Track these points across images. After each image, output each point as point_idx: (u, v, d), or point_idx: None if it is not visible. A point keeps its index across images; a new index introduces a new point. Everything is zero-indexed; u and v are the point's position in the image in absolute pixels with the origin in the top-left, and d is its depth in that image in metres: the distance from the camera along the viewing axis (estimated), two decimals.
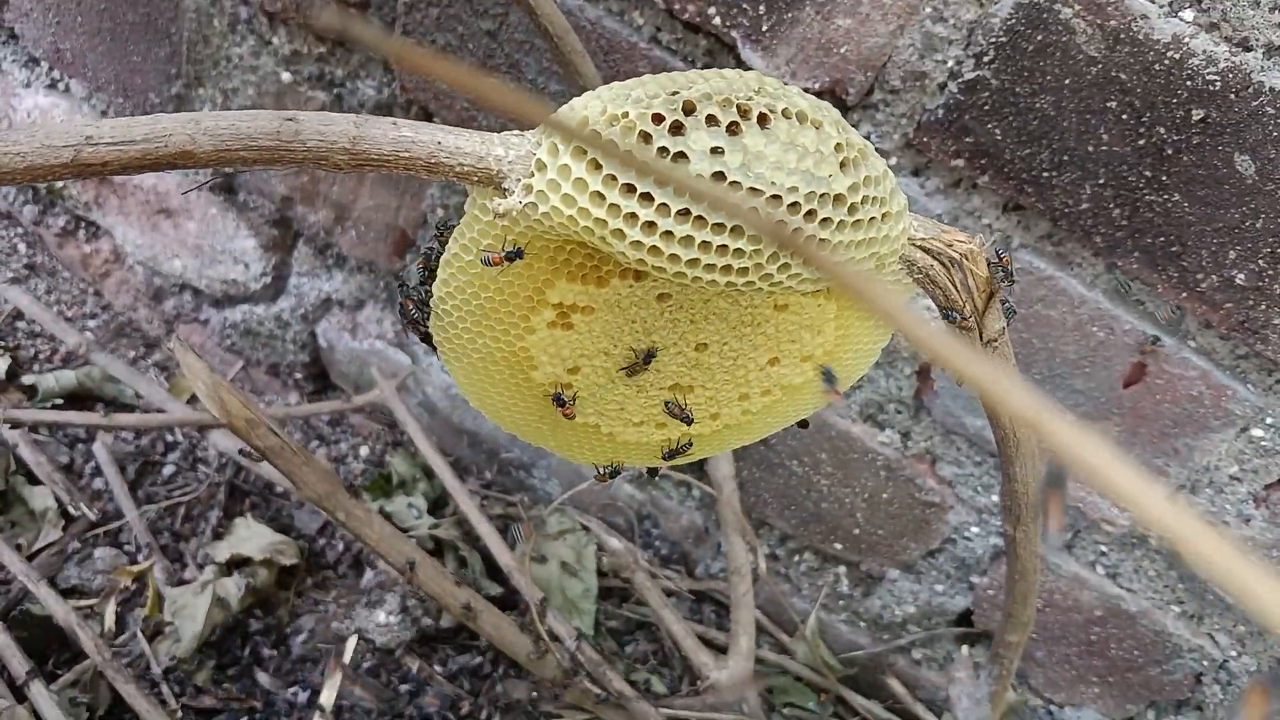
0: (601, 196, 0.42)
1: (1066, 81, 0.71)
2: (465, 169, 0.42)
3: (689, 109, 0.42)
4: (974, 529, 0.99)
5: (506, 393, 0.53)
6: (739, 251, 0.43)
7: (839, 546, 1.07)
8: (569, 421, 0.55)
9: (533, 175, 0.43)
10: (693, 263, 0.43)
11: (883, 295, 0.23)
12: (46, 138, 0.37)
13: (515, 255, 0.46)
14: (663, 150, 0.42)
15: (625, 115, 0.42)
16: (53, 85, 1.24)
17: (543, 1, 0.69)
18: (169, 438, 1.19)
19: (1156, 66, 0.68)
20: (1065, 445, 0.19)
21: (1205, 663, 0.94)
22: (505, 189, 0.44)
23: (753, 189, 0.41)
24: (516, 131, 0.45)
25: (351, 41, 1.00)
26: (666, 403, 0.54)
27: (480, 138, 0.43)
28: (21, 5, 1.19)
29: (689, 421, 0.56)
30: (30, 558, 1.01)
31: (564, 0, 0.86)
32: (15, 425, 1.07)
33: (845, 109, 0.81)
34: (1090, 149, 0.73)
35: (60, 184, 1.29)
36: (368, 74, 1.03)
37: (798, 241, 0.29)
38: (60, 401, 1.19)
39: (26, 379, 1.18)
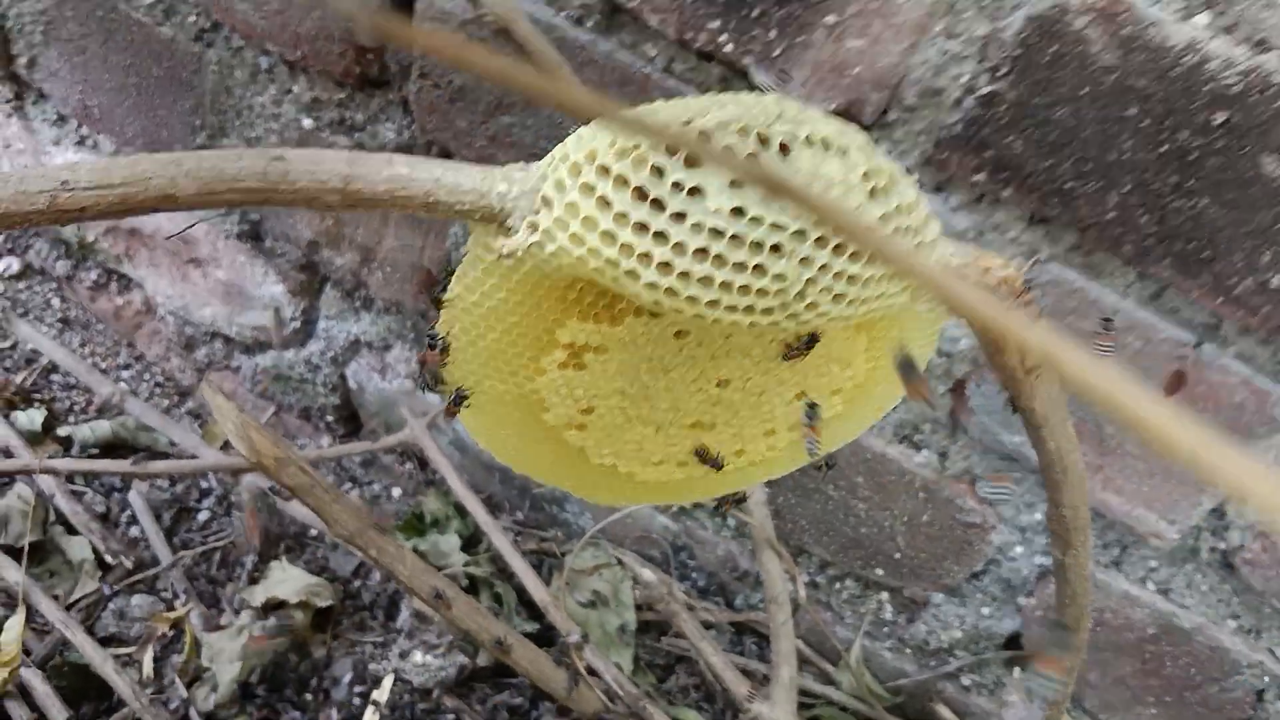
0: (613, 236, 0.39)
1: (1084, 91, 0.70)
2: (465, 206, 0.41)
3: (704, 139, 0.40)
4: (1018, 549, 0.96)
5: (517, 435, 0.51)
6: (763, 291, 0.40)
7: (880, 572, 1.05)
8: (585, 462, 0.53)
9: (538, 212, 0.41)
10: (712, 304, 0.40)
11: (961, 286, 0.21)
12: (21, 183, 0.35)
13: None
14: (677, 185, 0.39)
15: (636, 147, 0.39)
16: (81, 142, 1.27)
17: (532, 38, 0.69)
18: (203, 484, 1.20)
19: (1174, 72, 0.67)
20: (1085, 378, 0.18)
21: (1266, 678, 0.90)
22: (509, 227, 0.42)
23: (775, 224, 0.39)
24: (520, 165, 0.44)
25: (371, 31, 1.01)
26: (696, 450, 0.52)
27: (481, 173, 0.41)
28: (50, 65, 1.22)
29: (719, 467, 0.53)
30: (68, 608, 1.02)
31: (575, 36, 0.87)
32: (50, 473, 1.08)
33: (862, 129, 0.81)
34: (1112, 157, 0.72)
35: (91, 238, 1.31)
36: (387, 117, 1.04)
37: (878, 238, 0.27)
38: (96, 451, 1.20)
39: (62, 431, 1.20)
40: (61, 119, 1.26)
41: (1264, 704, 0.93)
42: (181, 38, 1.08)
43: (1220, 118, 0.67)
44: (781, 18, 0.77)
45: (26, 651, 0.96)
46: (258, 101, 1.08)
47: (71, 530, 1.10)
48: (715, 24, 0.79)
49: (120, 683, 0.92)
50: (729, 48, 0.80)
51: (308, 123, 1.07)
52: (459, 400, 0.49)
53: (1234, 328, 0.76)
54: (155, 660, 1.01)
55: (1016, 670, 0.99)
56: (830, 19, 0.75)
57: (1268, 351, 0.76)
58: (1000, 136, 0.75)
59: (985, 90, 0.73)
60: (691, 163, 0.40)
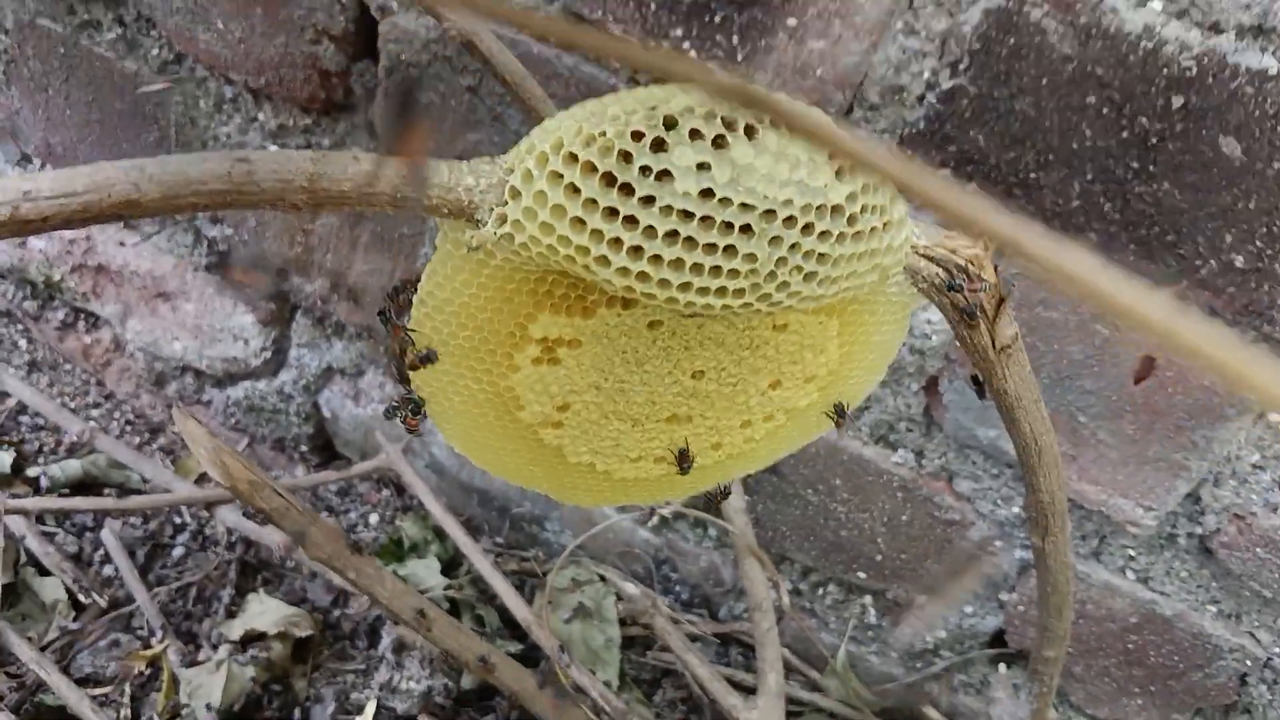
0: (582, 222, 0.40)
1: (1044, 81, 0.71)
2: (433, 201, 0.41)
3: (670, 123, 0.40)
4: (998, 543, 0.96)
5: (493, 435, 0.50)
6: (734, 272, 0.41)
7: (862, 575, 1.05)
8: (563, 462, 0.53)
9: (506, 204, 0.41)
10: (684, 287, 0.41)
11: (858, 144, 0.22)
12: None
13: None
14: (645, 169, 0.39)
15: (603, 134, 0.40)
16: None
17: (497, 51, 0.69)
18: (177, 520, 1.18)
19: (1131, 58, 0.68)
20: (1050, 261, 0.18)
21: (1248, 662, 0.91)
22: (478, 220, 0.42)
23: (744, 204, 0.39)
24: (488, 159, 0.44)
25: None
26: (680, 451, 0.52)
27: (448, 167, 0.41)
28: (11, 104, 1.21)
29: (685, 471, 0.53)
30: (42, 649, 0.99)
31: (540, 50, 0.87)
32: (20, 513, 1.06)
33: None
34: (1075, 146, 0.73)
35: (58, 277, 1.29)
36: (354, 141, 1.04)
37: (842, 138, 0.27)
38: (67, 491, 1.18)
39: (31, 471, 1.17)
40: (25, 159, 1.25)
41: (1248, 688, 0.93)
42: (145, 71, 1.07)
43: (1178, 101, 0.68)
44: (743, 22, 0.78)
45: None
46: (223, 131, 1.08)
47: (44, 571, 1.07)
48: (678, 31, 0.80)
49: None
50: (692, 54, 0.81)
51: (274, 150, 1.06)
52: (415, 410, 0.49)
53: (1201, 310, 0.77)
54: (133, 699, 0.98)
55: (1002, 667, 0.99)
56: (791, 21, 0.76)
57: (1234, 333, 0.77)
58: (963, 131, 0.76)
59: (947, 85, 0.74)
60: (658, 147, 0.40)
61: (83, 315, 1.33)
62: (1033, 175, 0.75)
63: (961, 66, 0.73)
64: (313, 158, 0.41)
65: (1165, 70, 0.68)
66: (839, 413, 0.54)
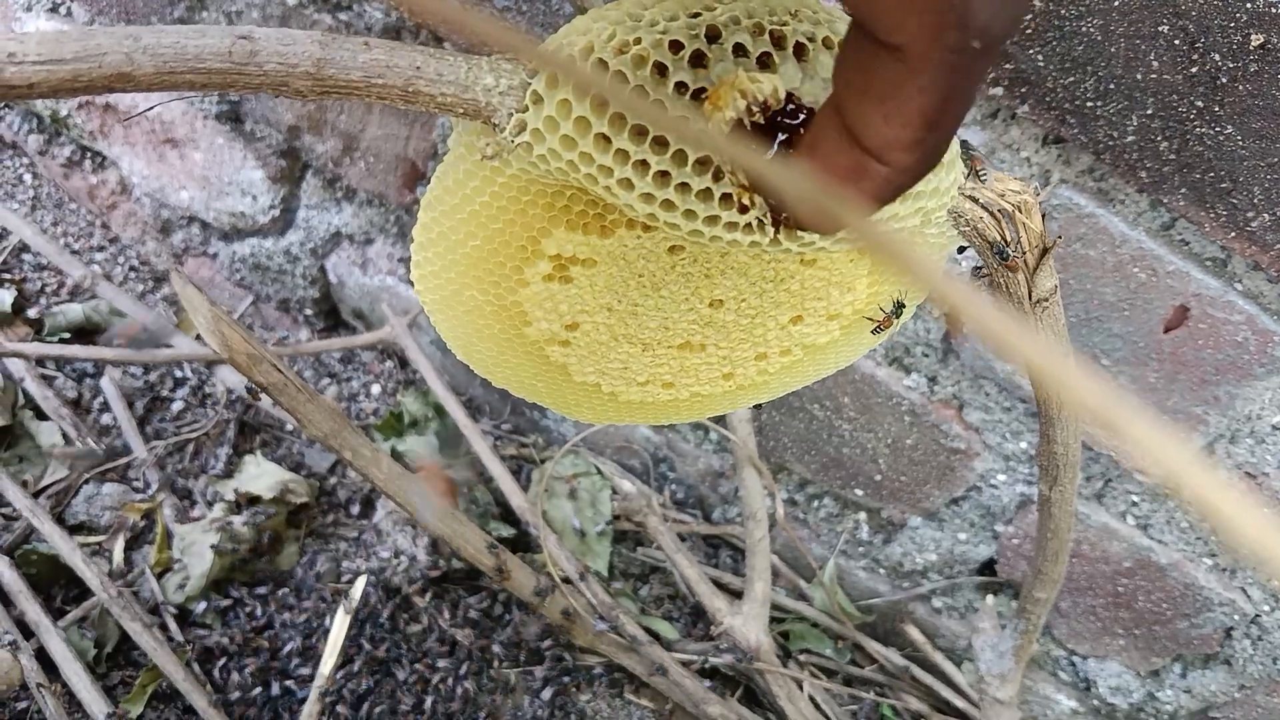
0: (607, 140, 0.36)
1: (1116, 3, 0.66)
2: (448, 99, 0.37)
3: (713, 35, 0.36)
4: (1000, 477, 0.95)
5: (497, 348, 0.48)
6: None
7: (859, 492, 1.04)
8: (567, 379, 0.51)
9: (527, 110, 0.37)
10: (711, 220, 0.37)
11: (929, 267, 0.19)
12: None
13: None
14: (680, 86, 0.35)
15: (638, 42, 0.36)
16: (54, 9, 1.20)
17: None
18: (177, 374, 1.17)
19: None
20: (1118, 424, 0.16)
21: (1236, 617, 0.91)
22: (495, 124, 0.39)
23: None
24: (510, 57, 0.40)
25: None
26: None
27: (467, 63, 0.38)
28: None
29: None
30: (36, 495, 1.00)
31: None
32: (19, 356, 1.05)
33: None
34: (1139, 77, 0.68)
35: (64, 112, 1.25)
36: None
37: (834, 209, 0.25)
38: (67, 336, 1.17)
39: (32, 312, 1.16)
40: (55, 8, 1.19)
41: (1232, 641, 0.93)
42: None
43: (1257, 40, 0.63)
44: None
45: None
46: None
47: (42, 415, 1.07)
48: None
49: (89, 573, 0.91)
50: None
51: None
52: None
53: (1244, 264, 0.74)
54: (125, 550, 0.99)
55: (989, 597, 0.99)
56: None
57: (1275, 291, 0.74)
58: (1023, 48, 0.71)
59: None
60: (697, 63, 0.36)
61: (89, 154, 1.30)
62: (1090, 104, 0.71)
63: None
64: (320, 40, 0.38)
65: (1248, 4, 0.62)
66: (896, 311, 0.49)
